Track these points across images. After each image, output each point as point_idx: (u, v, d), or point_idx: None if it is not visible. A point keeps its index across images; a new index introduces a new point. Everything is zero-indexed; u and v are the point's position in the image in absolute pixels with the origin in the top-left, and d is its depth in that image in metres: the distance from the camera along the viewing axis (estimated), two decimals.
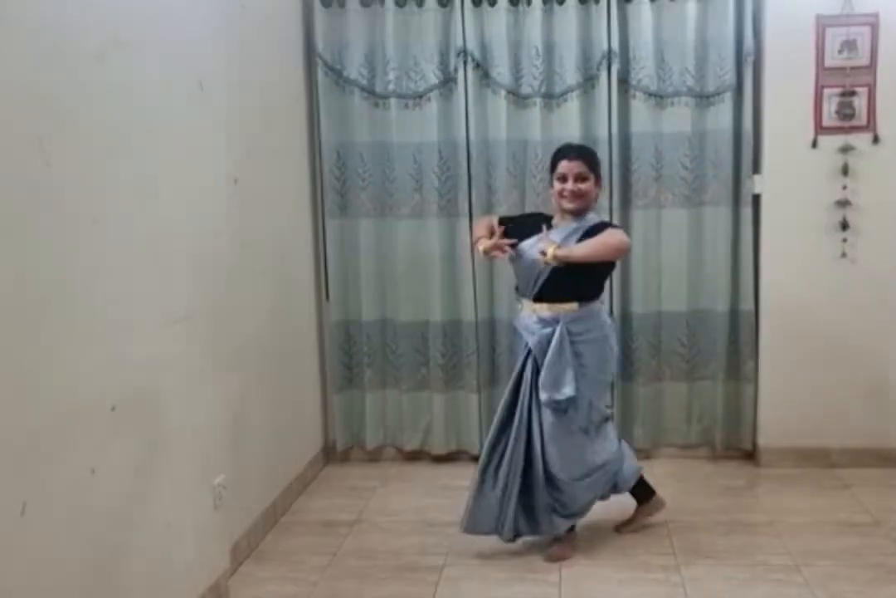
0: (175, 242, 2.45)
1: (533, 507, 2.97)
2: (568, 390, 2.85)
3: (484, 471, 2.99)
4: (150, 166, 2.30)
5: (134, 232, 2.20)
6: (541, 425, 2.92)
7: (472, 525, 3.01)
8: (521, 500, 2.95)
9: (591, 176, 2.91)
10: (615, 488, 3.11)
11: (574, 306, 2.90)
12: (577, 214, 2.94)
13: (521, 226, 3.02)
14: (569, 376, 2.87)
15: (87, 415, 1.98)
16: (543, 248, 2.77)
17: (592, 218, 2.99)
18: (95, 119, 2.04)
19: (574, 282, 2.87)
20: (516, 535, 3.01)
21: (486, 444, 3.02)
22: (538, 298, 2.92)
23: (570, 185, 2.89)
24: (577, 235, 2.90)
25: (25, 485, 1.77)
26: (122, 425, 2.12)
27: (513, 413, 2.96)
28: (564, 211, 2.95)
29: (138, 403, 2.20)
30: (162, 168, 2.37)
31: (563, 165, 2.90)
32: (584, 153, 2.95)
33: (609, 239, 2.84)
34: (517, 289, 3.06)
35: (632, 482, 3.13)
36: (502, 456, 2.96)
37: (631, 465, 3.12)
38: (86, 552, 1.98)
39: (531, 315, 2.94)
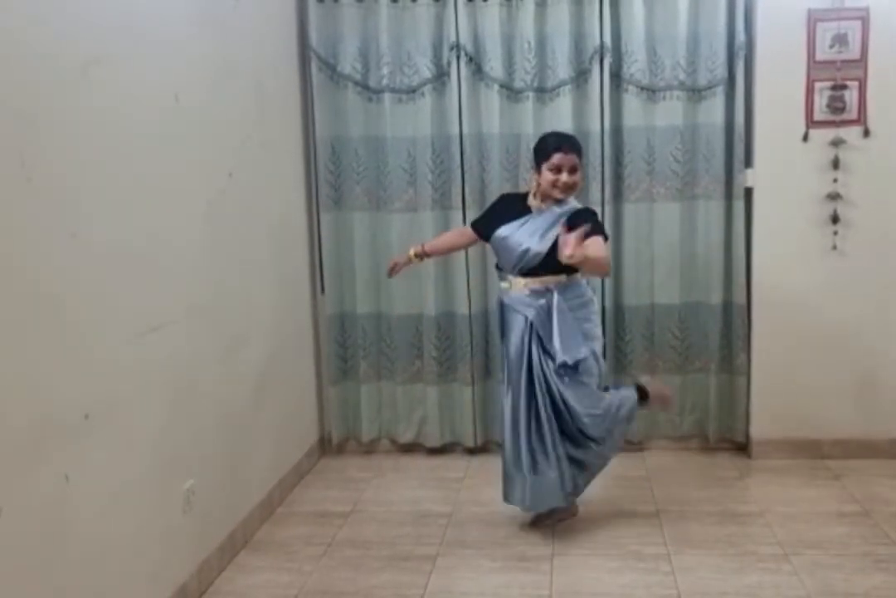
0: (158, 251, 2.48)
1: (581, 460, 3.11)
2: (581, 352, 2.98)
3: (531, 452, 3.04)
4: (133, 178, 2.33)
5: (113, 245, 2.23)
6: (558, 387, 3.01)
7: (539, 502, 3.11)
8: (571, 460, 3.09)
9: (580, 166, 3.03)
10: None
11: (563, 277, 3.01)
12: (563, 200, 3.04)
13: (495, 213, 3.19)
14: (577, 338, 3.00)
15: (61, 423, 2.01)
16: (568, 248, 2.71)
17: (572, 203, 3.07)
18: (76, 134, 2.07)
19: (550, 265, 2.94)
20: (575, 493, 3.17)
21: (515, 424, 3.06)
22: (528, 273, 3.02)
23: (564, 177, 2.97)
24: (562, 221, 2.94)
25: (1, 492, 1.79)
26: (96, 434, 2.14)
27: (532, 389, 3.04)
28: (554, 198, 3.03)
29: (112, 411, 2.22)
30: (145, 178, 2.40)
31: (559, 158, 2.96)
32: (576, 146, 3.03)
33: (605, 256, 2.84)
34: (499, 268, 3.16)
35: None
36: (540, 429, 3.04)
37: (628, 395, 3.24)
38: (60, 557, 2.00)
39: (522, 289, 3.04)
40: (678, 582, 2.75)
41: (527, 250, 2.98)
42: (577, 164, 3.00)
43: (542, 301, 3.01)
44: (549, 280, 3.01)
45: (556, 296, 3.00)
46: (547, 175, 2.98)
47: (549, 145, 3.00)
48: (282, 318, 3.65)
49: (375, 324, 4.06)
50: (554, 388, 3.02)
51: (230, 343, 3.02)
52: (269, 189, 3.49)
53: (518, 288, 3.06)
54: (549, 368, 3.01)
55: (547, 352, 3.02)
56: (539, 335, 3.02)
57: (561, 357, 2.96)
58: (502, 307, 3.16)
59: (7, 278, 1.82)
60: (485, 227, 3.20)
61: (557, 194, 3.00)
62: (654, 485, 3.61)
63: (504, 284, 3.13)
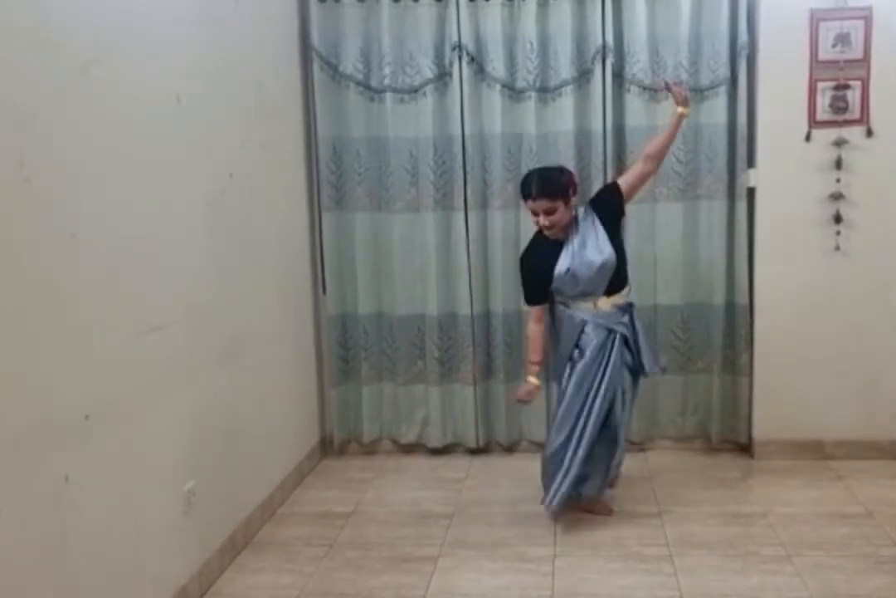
0: (158, 251, 2.48)
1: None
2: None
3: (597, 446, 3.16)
4: (133, 178, 2.33)
5: (113, 245, 2.23)
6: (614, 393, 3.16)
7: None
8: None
9: (559, 203, 3.04)
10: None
11: (627, 290, 3.22)
12: (566, 227, 3.12)
13: (534, 269, 3.19)
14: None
15: (61, 423, 2.01)
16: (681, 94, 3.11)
17: (582, 211, 3.18)
18: (76, 134, 2.07)
19: (623, 272, 3.18)
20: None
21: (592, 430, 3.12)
22: (610, 291, 3.14)
23: (542, 220, 3.08)
24: (595, 221, 3.13)
25: (2, 492, 1.79)
26: (96, 434, 2.14)
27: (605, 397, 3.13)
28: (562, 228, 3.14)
29: (112, 412, 2.22)
30: (145, 180, 2.40)
31: (531, 204, 3.07)
32: (546, 190, 3.03)
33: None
34: (576, 295, 3.12)
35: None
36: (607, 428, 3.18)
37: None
38: (60, 557, 2.00)
39: (610, 308, 3.15)
40: (680, 583, 2.74)
41: (604, 263, 3.06)
42: (551, 205, 3.03)
43: (626, 317, 3.17)
44: (622, 295, 3.18)
45: (634, 311, 3.21)
46: (531, 216, 3.12)
47: (525, 190, 3.09)
48: (283, 318, 3.64)
49: (377, 324, 4.05)
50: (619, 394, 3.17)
51: (230, 343, 3.02)
52: (270, 189, 3.48)
53: (606, 307, 3.14)
54: (625, 378, 3.19)
55: (625, 364, 3.18)
56: (625, 349, 3.17)
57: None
58: (583, 325, 3.12)
59: (7, 279, 1.82)
60: (541, 288, 3.17)
61: (546, 232, 3.12)
62: (656, 486, 3.60)
63: (585, 305, 3.13)
